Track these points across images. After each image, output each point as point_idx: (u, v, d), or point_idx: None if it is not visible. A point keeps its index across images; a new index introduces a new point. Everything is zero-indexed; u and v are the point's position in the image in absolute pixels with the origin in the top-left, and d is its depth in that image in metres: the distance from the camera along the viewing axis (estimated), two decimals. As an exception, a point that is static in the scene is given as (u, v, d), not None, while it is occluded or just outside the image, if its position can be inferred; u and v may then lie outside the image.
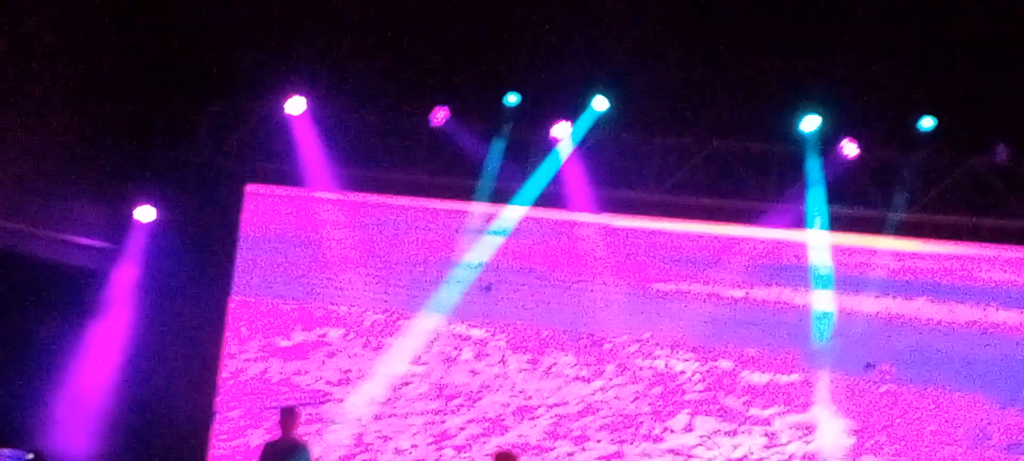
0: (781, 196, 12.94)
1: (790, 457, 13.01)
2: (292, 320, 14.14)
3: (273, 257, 13.95)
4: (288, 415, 12.66)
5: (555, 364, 13.73)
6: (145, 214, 12.62)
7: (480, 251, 13.67)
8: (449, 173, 13.51)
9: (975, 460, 12.65)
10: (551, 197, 13.40)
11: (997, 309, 12.97)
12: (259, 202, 13.71)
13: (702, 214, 13.38)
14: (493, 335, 13.91)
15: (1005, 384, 12.71)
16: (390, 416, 13.81)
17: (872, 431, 12.94)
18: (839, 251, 13.06)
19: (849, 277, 13.04)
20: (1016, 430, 12.63)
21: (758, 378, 13.31)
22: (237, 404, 13.92)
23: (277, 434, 12.75)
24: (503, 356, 13.85)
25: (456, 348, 13.97)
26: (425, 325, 13.92)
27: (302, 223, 14.08)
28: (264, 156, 13.47)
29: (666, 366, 13.53)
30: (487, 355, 13.90)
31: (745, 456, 13.12)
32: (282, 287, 14.00)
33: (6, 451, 11.86)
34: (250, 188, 13.42)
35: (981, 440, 12.67)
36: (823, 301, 13.09)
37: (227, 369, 13.44)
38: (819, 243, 13.04)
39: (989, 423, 12.71)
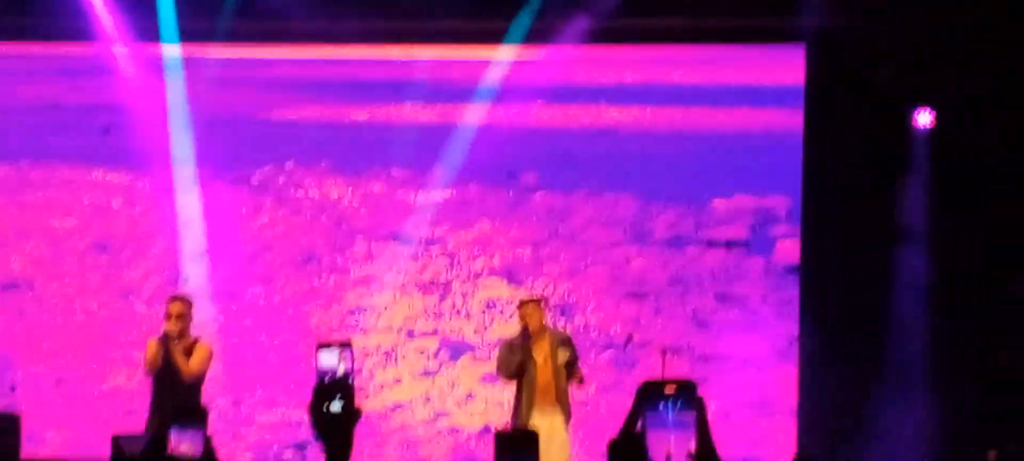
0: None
1: (477, 275, 12.95)
2: None
3: None
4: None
5: (208, 202, 12.96)
6: None
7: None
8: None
9: (643, 255, 12.94)
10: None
11: (608, 107, 13.14)
12: None
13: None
14: (134, 181, 12.99)
15: (649, 181, 12.98)
16: (62, 278, 12.99)
17: (540, 239, 13.01)
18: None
19: (461, 89, 12.84)
20: (673, 222, 12.97)
21: (419, 198, 13.02)
22: None
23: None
24: (153, 202, 12.96)
25: (106, 197, 12.98)
26: (62, 176, 12.92)
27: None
28: None
29: (321, 194, 13.07)
30: (139, 202, 13.01)
31: (434, 279, 12.96)
32: None
33: None
34: None
35: (643, 236, 12.98)
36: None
37: None
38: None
39: (647, 218, 13.01)
